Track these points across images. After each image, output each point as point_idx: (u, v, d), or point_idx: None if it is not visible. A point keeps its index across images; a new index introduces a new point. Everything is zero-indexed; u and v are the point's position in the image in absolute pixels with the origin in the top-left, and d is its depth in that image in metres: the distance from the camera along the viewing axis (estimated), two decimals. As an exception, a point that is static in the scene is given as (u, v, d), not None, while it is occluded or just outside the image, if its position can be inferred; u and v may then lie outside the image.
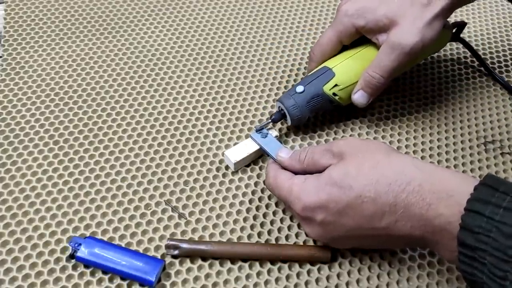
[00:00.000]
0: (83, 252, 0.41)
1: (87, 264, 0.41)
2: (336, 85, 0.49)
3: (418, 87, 0.59)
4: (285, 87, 0.57)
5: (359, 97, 0.49)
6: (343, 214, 0.37)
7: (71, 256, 0.41)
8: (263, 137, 0.48)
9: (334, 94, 0.49)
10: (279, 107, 0.50)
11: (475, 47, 0.64)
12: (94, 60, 0.58)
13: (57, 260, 0.42)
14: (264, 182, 0.46)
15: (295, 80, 0.58)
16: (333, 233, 0.39)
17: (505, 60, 0.63)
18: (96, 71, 0.57)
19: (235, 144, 0.51)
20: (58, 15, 0.63)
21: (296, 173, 0.42)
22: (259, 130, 0.48)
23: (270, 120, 0.50)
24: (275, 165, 0.44)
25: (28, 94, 0.54)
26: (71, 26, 0.62)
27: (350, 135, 0.53)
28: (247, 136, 0.52)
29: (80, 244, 0.41)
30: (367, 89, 0.49)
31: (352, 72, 0.49)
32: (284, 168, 0.43)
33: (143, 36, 0.62)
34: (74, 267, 0.41)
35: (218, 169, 0.49)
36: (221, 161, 0.50)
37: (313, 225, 0.40)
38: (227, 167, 0.49)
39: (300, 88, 0.49)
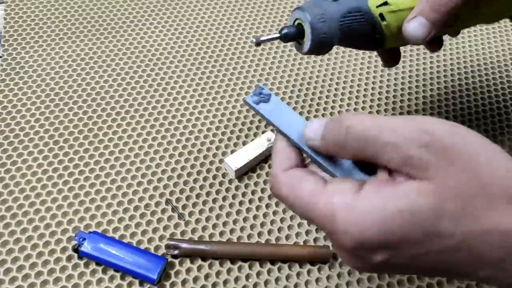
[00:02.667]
0: (86, 247, 0.41)
1: (90, 259, 0.41)
2: (386, 2, 0.35)
3: (424, 85, 0.59)
4: (285, 86, 0.57)
5: (416, 26, 0.34)
6: (421, 259, 0.25)
7: (75, 251, 0.41)
8: (264, 102, 0.31)
9: (382, 16, 0.35)
10: (295, 19, 0.35)
11: (474, 47, 0.64)
12: (94, 60, 0.58)
13: (57, 260, 0.42)
14: (270, 188, 0.29)
15: (295, 80, 0.58)
16: (391, 272, 0.27)
17: (505, 60, 0.63)
18: (96, 71, 0.57)
19: (235, 144, 0.51)
20: (58, 15, 0.63)
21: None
22: (258, 43, 0.34)
23: (279, 35, 0.34)
24: (287, 157, 0.29)
25: (28, 94, 0.54)
26: (71, 26, 0.62)
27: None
28: (247, 136, 0.52)
29: (84, 239, 0.41)
30: (432, 14, 0.34)
31: None
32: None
33: (143, 36, 0.62)
34: (74, 267, 0.41)
35: (218, 169, 0.49)
36: (221, 161, 0.50)
37: (363, 264, 0.26)
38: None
39: None
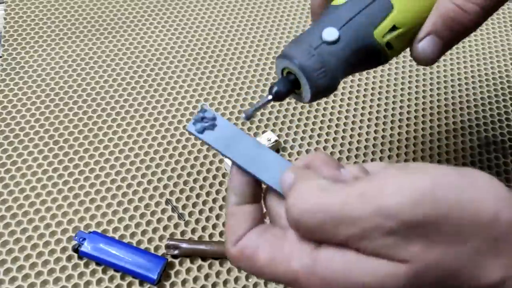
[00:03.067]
0: (86, 247, 0.41)
1: (90, 259, 0.41)
2: (394, 27, 0.29)
3: (424, 85, 0.59)
4: (285, 87, 0.57)
5: (427, 46, 0.30)
6: None
7: (75, 251, 0.41)
8: (210, 129, 0.27)
9: (388, 44, 0.29)
10: (283, 69, 0.29)
11: (474, 47, 0.64)
12: (94, 60, 0.58)
13: (57, 260, 0.42)
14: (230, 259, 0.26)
15: (295, 80, 0.58)
16: None
17: (505, 60, 0.63)
18: (96, 71, 0.57)
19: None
20: (58, 15, 0.63)
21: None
22: (250, 117, 0.28)
23: (270, 98, 0.28)
24: (239, 221, 0.26)
25: (28, 94, 0.54)
26: (71, 26, 0.62)
27: (350, 135, 0.53)
28: (247, 136, 0.52)
29: (84, 239, 0.41)
30: (445, 32, 0.30)
31: (419, 4, 0.30)
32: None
33: (143, 36, 0.62)
34: (74, 267, 0.41)
35: (218, 169, 0.49)
36: (221, 161, 0.50)
37: None
38: (227, 167, 0.49)
39: (331, 33, 0.28)
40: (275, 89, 0.28)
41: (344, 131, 0.53)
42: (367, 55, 0.29)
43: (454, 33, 0.30)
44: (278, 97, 0.28)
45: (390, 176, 0.22)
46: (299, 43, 0.28)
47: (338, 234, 0.22)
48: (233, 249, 0.25)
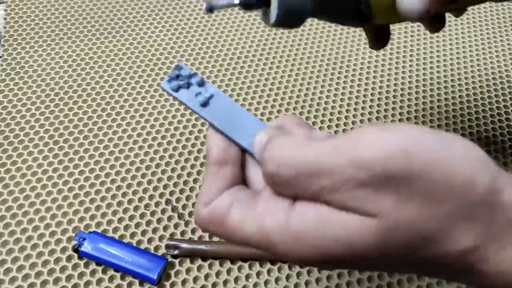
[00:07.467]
0: (86, 247, 0.41)
1: (90, 259, 0.41)
2: None
3: (424, 85, 0.59)
4: (286, 86, 0.57)
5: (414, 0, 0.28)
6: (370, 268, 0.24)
7: (75, 251, 0.41)
8: (186, 87, 0.26)
9: None
10: None
11: (474, 47, 0.64)
12: (94, 60, 0.58)
13: (57, 260, 0.42)
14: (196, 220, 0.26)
15: (295, 80, 0.58)
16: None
17: (505, 60, 0.63)
18: (96, 71, 0.57)
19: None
20: (58, 15, 0.63)
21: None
22: (211, 10, 0.26)
23: (237, 2, 0.27)
24: (215, 180, 0.26)
25: (28, 94, 0.54)
26: (71, 26, 0.62)
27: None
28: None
29: (84, 239, 0.41)
30: None
31: None
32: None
33: (143, 36, 0.62)
34: (74, 267, 0.41)
35: (218, 169, 0.49)
36: (221, 161, 0.50)
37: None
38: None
39: None
40: None
41: (344, 131, 0.53)
42: None
43: None
44: (246, 4, 0.27)
45: (365, 131, 0.22)
46: None
47: (312, 185, 0.22)
48: (203, 210, 0.25)
